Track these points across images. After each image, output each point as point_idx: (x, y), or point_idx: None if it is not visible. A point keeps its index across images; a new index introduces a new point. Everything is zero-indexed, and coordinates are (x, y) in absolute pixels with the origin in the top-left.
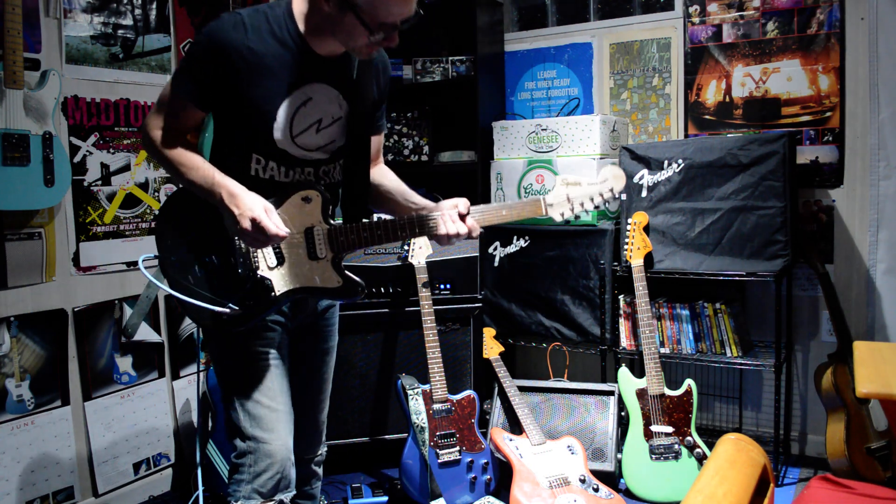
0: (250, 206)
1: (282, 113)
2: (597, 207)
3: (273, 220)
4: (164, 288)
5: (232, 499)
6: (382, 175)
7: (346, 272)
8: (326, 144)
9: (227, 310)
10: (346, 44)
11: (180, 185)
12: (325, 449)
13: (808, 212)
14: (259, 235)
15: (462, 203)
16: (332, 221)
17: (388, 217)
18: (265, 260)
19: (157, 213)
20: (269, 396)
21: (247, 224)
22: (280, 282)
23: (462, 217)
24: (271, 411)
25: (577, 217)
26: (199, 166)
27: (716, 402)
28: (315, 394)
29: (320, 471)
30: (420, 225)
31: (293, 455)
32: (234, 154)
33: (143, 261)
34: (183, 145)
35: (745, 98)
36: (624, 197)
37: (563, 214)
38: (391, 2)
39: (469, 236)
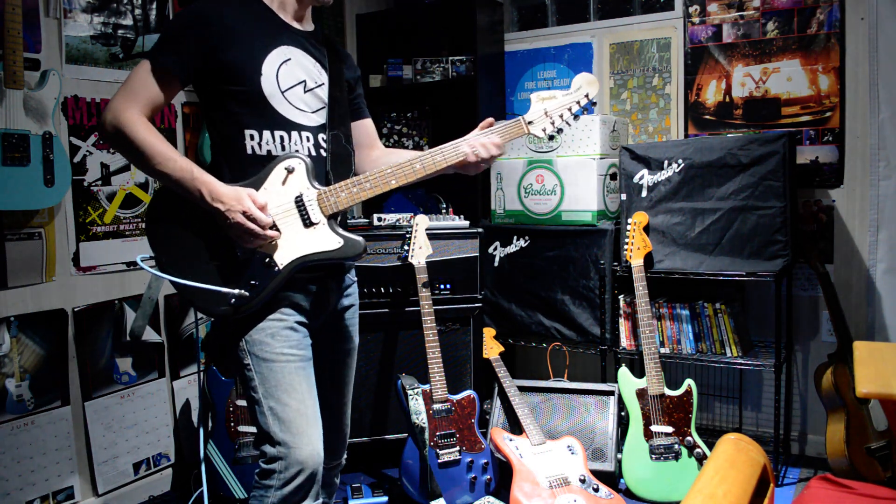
0: (236, 198)
1: (266, 67)
2: (576, 117)
3: (260, 202)
4: (173, 279)
5: (257, 502)
6: (387, 153)
7: (344, 232)
8: (318, 109)
9: (236, 291)
10: None
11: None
12: (346, 457)
13: (808, 212)
14: (252, 228)
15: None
16: (318, 185)
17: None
18: None
19: (147, 214)
20: (297, 400)
21: (240, 218)
22: (280, 255)
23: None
24: (300, 415)
25: (559, 131)
26: (174, 157)
27: (716, 402)
28: (337, 396)
29: (337, 481)
30: (406, 169)
31: (323, 461)
32: (228, 136)
33: (142, 260)
34: (154, 133)
35: (745, 98)
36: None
37: (544, 130)
38: None
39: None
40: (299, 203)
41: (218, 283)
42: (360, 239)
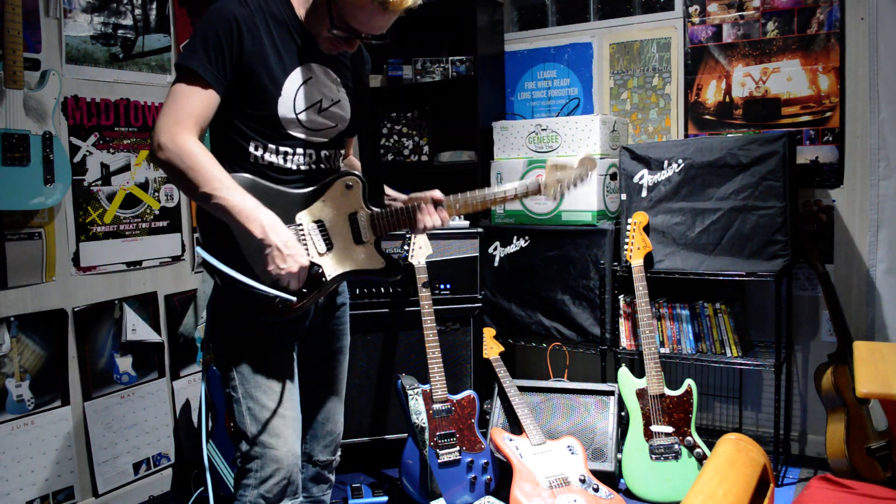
0: (299, 251)
1: (287, 88)
2: (575, 186)
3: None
4: (232, 273)
5: (238, 502)
6: (352, 166)
7: (387, 253)
8: (327, 128)
9: (289, 297)
10: (312, 28)
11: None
12: (340, 454)
13: (808, 212)
14: (295, 282)
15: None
16: (371, 207)
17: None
18: (315, 247)
19: (199, 209)
20: (274, 401)
21: (296, 268)
22: (330, 267)
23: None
24: (277, 416)
25: (562, 195)
26: (235, 186)
27: (716, 402)
28: (330, 394)
29: (333, 477)
30: (461, 202)
31: (300, 461)
32: (232, 140)
33: (202, 250)
34: (212, 159)
35: (745, 98)
36: (598, 177)
37: (553, 194)
38: (363, 9)
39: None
40: (353, 221)
41: (271, 286)
42: (400, 263)
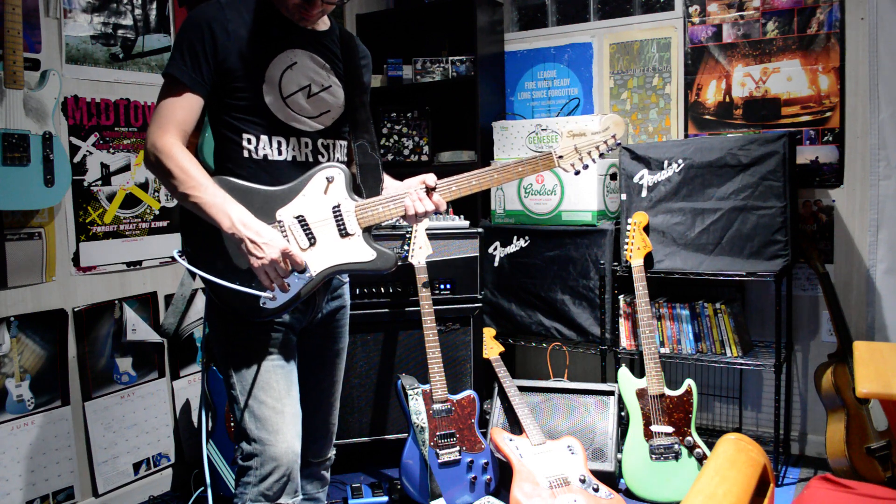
0: (275, 237)
1: (270, 74)
2: (602, 156)
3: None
4: (207, 276)
5: (238, 501)
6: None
7: (378, 245)
8: (320, 114)
9: (269, 294)
10: (281, 4)
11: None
12: (334, 452)
13: (808, 212)
14: (281, 269)
15: (430, 178)
16: (356, 197)
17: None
18: (297, 242)
19: (181, 210)
20: (274, 398)
21: (276, 254)
22: (315, 262)
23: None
24: (276, 413)
25: (585, 167)
26: (209, 184)
27: (716, 402)
28: (325, 396)
29: (328, 475)
30: (451, 186)
31: (300, 459)
32: (227, 138)
33: (179, 254)
34: (192, 160)
35: (745, 98)
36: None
37: (573, 165)
38: None
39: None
40: (336, 213)
41: (250, 285)
42: (392, 253)
